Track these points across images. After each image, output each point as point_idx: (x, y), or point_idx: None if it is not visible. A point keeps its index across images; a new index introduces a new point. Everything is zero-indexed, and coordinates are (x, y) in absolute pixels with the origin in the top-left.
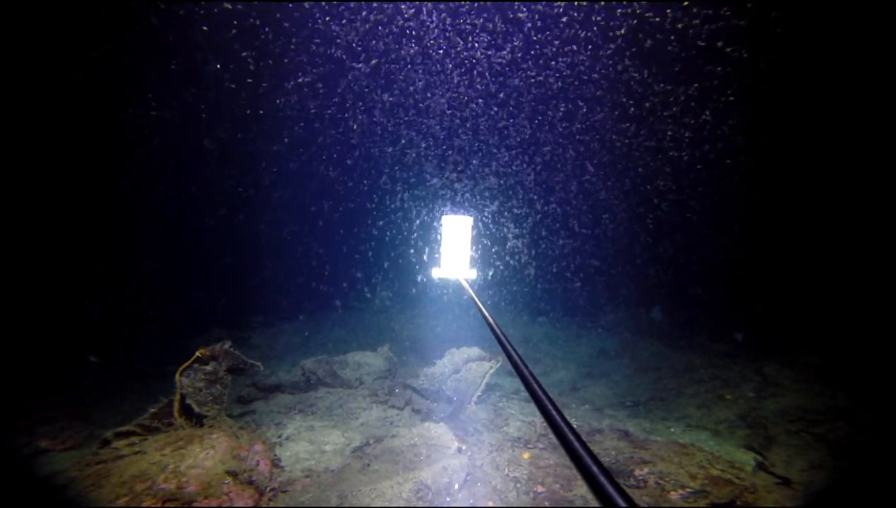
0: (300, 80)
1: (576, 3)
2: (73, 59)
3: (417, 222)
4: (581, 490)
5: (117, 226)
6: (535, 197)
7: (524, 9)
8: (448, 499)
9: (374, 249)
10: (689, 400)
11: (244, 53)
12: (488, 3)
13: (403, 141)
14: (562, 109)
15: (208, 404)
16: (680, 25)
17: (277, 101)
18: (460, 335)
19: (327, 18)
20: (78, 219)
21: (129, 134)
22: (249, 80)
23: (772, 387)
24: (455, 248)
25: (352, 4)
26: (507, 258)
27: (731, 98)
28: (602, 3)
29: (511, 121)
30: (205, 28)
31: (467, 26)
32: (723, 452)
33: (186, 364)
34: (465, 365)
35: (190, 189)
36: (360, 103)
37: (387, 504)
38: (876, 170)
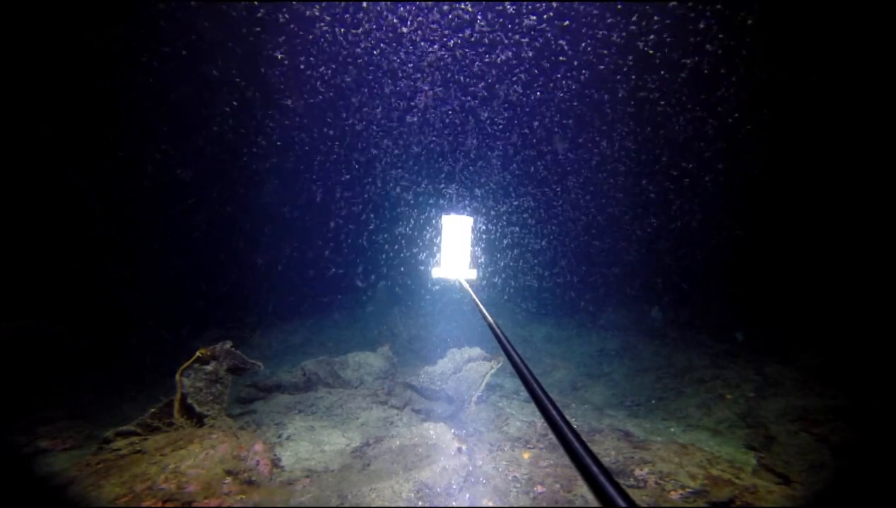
0: (302, 80)
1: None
2: (73, 59)
3: (420, 223)
4: (581, 490)
5: (117, 227)
6: (535, 197)
7: (527, 9)
8: (448, 499)
9: (375, 250)
10: (689, 400)
11: (245, 53)
12: (489, 4)
13: (405, 141)
14: (562, 109)
15: (209, 404)
16: (677, 24)
17: (279, 101)
18: (461, 335)
19: (328, 17)
20: (78, 219)
21: (130, 133)
22: (252, 81)
23: (772, 387)
24: (455, 248)
25: (353, 3)
26: (508, 258)
27: (731, 98)
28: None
29: (511, 121)
30: (206, 25)
31: (470, 27)
32: (723, 452)
33: (187, 364)
34: (465, 365)
35: (191, 189)
36: (363, 103)
37: (387, 504)
38: (876, 169)
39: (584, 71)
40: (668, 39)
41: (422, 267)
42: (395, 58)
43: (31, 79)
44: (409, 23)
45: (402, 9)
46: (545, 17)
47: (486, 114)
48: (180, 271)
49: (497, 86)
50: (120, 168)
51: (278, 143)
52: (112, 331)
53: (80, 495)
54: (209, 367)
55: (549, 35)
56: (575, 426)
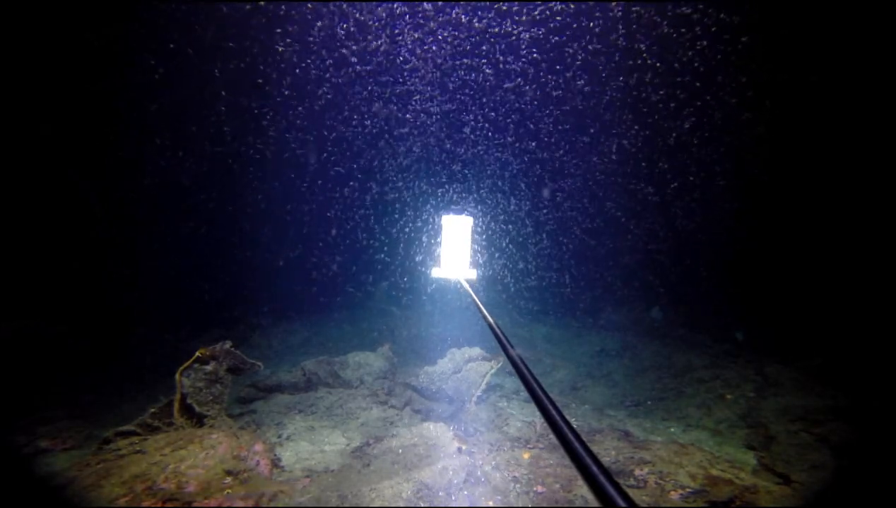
0: (303, 80)
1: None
2: (73, 59)
3: (420, 224)
4: (581, 490)
5: (117, 227)
6: (536, 197)
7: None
8: (448, 499)
9: (375, 250)
10: (689, 400)
11: (245, 53)
12: (487, 4)
13: (405, 142)
14: (561, 110)
15: (208, 404)
16: (677, 23)
17: (280, 101)
18: (462, 335)
19: (329, 17)
20: (78, 219)
21: (131, 133)
22: (253, 81)
23: (772, 387)
24: (455, 248)
25: (354, 3)
26: (508, 258)
27: (731, 96)
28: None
29: (510, 121)
30: (206, 25)
31: (467, 28)
32: (723, 452)
33: (186, 364)
34: (465, 365)
35: (191, 189)
36: (363, 104)
37: (387, 504)
38: (878, 169)
39: (582, 71)
40: (667, 40)
41: (421, 268)
42: (394, 58)
43: (31, 79)
44: (409, 23)
45: (400, 8)
46: (545, 16)
47: (485, 116)
48: (180, 271)
49: (497, 87)
50: (120, 168)
51: (278, 143)
52: (112, 331)
53: (80, 495)
54: (209, 367)
55: (548, 36)
56: (575, 426)
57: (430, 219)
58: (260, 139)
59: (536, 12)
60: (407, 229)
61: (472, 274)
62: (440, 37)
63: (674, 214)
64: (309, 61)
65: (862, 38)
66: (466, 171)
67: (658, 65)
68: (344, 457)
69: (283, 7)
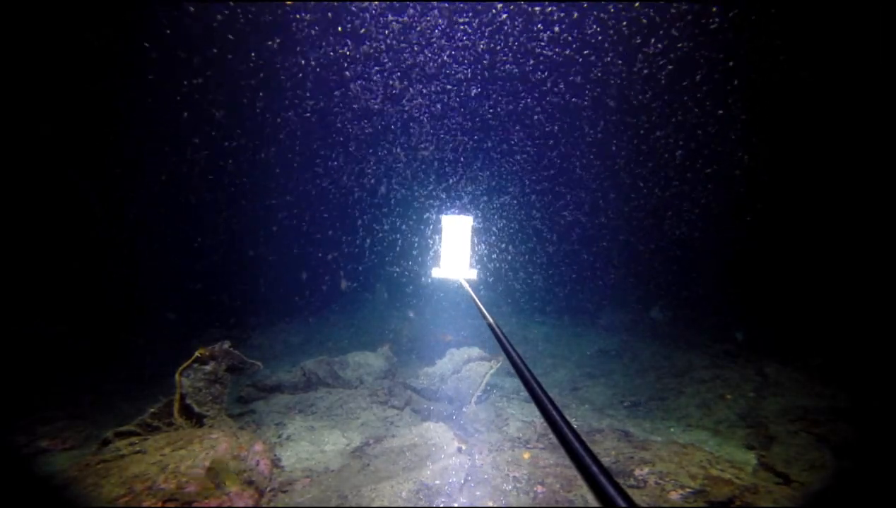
0: (302, 80)
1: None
2: (73, 59)
3: (420, 225)
4: (581, 490)
5: (117, 227)
6: (536, 197)
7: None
8: (448, 499)
9: (374, 250)
10: (689, 400)
11: (246, 54)
12: (492, 4)
13: (406, 144)
14: (560, 112)
15: (208, 404)
16: (677, 23)
17: (278, 99)
18: (461, 335)
19: (329, 16)
20: (78, 219)
21: (130, 133)
22: (252, 80)
23: (772, 387)
24: (455, 248)
25: (354, 5)
26: (508, 259)
27: (732, 96)
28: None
29: (510, 121)
30: (207, 26)
31: (466, 27)
32: (723, 452)
33: (186, 364)
34: (465, 365)
35: (191, 189)
36: (361, 104)
37: (387, 504)
38: (878, 169)
39: (581, 73)
40: (665, 41)
41: (420, 269)
42: (394, 58)
43: (31, 79)
44: (409, 24)
45: (398, 6)
46: (545, 18)
47: (484, 117)
48: (180, 271)
49: (498, 88)
50: (120, 168)
51: (279, 143)
52: (112, 331)
53: (80, 495)
54: (208, 367)
55: (546, 38)
56: (575, 426)
57: (430, 219)
58: (260, 139)
59: (535, 15)
60: (407, 229)
61: (473, 274)
62: (439, 38)
63: (673, 214)
64: (305, 62)
65: (856, 36)
66: (466, 172)
67: (657, 66)
68: (344, 457)
69: (283, 7)
